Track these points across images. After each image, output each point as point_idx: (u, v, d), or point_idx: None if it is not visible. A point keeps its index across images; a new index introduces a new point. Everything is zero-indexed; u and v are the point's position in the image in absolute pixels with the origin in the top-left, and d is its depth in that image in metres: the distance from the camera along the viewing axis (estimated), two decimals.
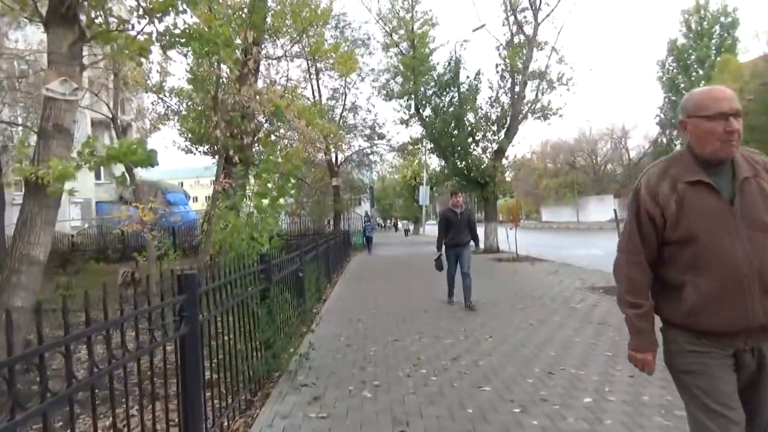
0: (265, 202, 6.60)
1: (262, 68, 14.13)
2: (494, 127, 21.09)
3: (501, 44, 20.50)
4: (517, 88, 20.61)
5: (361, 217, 33.82)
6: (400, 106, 23.98)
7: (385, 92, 23.99)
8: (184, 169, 54.57)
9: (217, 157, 9.68)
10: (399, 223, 66.44)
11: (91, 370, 2.22)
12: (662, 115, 52.76)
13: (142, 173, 43.72)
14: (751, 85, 38.34)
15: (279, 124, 12.91)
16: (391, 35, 22.84)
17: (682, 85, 49.60)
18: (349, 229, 30.33)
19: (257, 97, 10.80)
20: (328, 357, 5.65)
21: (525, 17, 20.36)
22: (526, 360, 5.19)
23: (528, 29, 20.31)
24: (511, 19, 20.41)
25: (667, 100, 51.67)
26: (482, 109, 21.08)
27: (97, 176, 33.46)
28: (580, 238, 34.48)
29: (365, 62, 25.39)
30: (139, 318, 2.68)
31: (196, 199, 61.33)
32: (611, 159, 68.88)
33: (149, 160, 5.70)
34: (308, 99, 18.53)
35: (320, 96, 23.66)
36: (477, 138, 21.42)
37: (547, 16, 19.99)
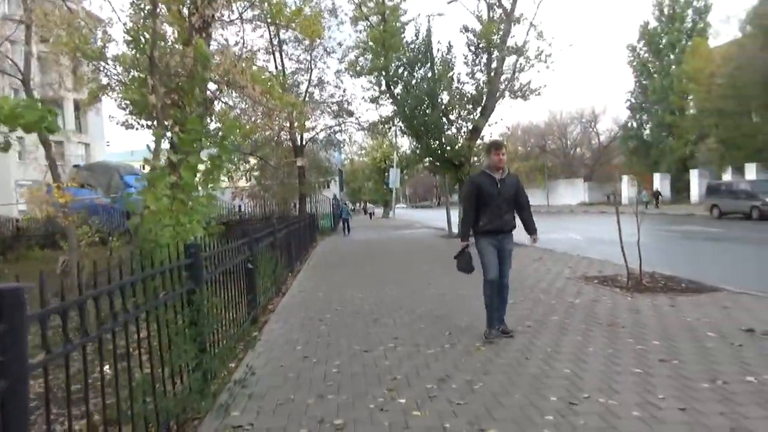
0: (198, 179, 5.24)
1: (216, 35, 12.55)
2: (469, 106, 19.90)
3: (479, 15, 19.22)
4: (493, 65, 19.44)
5: (329, 200, 32.44)
6: (370, 83, 22.58)
7: (353, 69, 22.52)
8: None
9: (153, 129, 8.21)
10: (368, 206, 65.24)
11: None
12: (632, 99, 52.58)
13: (97, 154, 41.27)
14: (722, 70, 38.22)
15: (230, 92, 11.39)
16: (360, 7, 21.32)
17: (653, 69, 49.37)
18: (316, 213, 28.99)
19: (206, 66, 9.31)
20: (276, 376, 4.37)
21: None
22: (535, 381, 4.02)
23: (506, 2, 19.11)
24: None
25: (637, 84, 51.46)
26: (457, 86, 19.84)
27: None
28: (554, 221, 33.78)
29: (332, 36, 23.86)
30: None
31: None
32: (581, 143, 68.83)
33: (40, 123, 4.28)
34: (269, 72, 16.92)
35: (284, 70, 22.04)
36: (451, 117, 20.22)
37: None
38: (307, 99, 21.94)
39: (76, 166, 34.82)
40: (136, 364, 2.98)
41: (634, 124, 53.25)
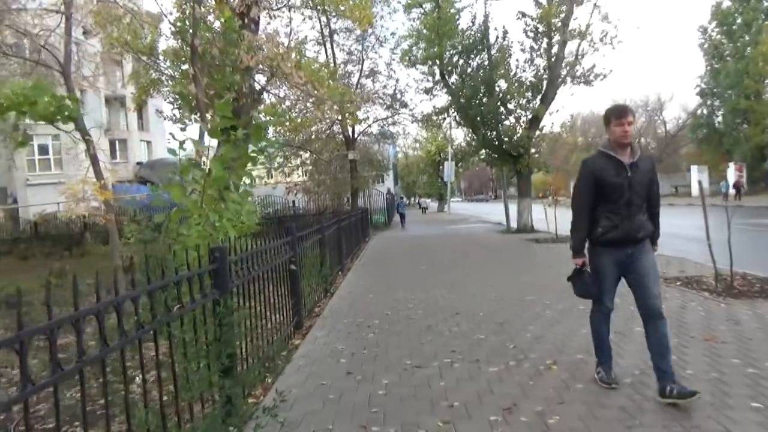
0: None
1: (264, 25, 12.20)
2: (528, 94, 18.85)
3: None
4: (554, 50, 18.30)
5: (383, 195, 31.97)
6: (423, 74, 21.86)
7: (407, 59, 21.81)
8: None
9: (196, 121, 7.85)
10: (421, 200, 64.37)
11: None
12: (703, 85, 49.37)
13: (160, 151, 42.31)
14: None
15: (279, 84, 10.99)
16: None
17: (727, 52, 46.14)
18: (369, 207, 28.58)
19: (250, 50, 8.91)
20: (315, 399, 3.82)
21: None
22: (622, 415, 3.28)
23: None
24: None
25: (708, 68, 48.27)
26: (515, 73, 18.80)
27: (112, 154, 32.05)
28: None
29: (384, 26, 23.22)
30: None
31: None
32: (646, 132, 65.49)
33: (58, 112, 3.88)
34: (318, 63, 16.50)
35: (335, 60, 21.62)
36: (509, 106, 19.23)
37: None
38: (359, 90, 21.45)
39: (138, 163, 35.91)
40: (138, 392, 2.49)
41: (705, 111, 50.14)
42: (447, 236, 19.99)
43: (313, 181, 25.83)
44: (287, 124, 14.59)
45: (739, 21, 44.71)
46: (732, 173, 42.45)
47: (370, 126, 24.47)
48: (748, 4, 43.95)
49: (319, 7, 12.32)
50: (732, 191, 36.89)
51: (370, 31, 22.66)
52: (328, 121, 21.09)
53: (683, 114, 59.88)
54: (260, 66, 11.16)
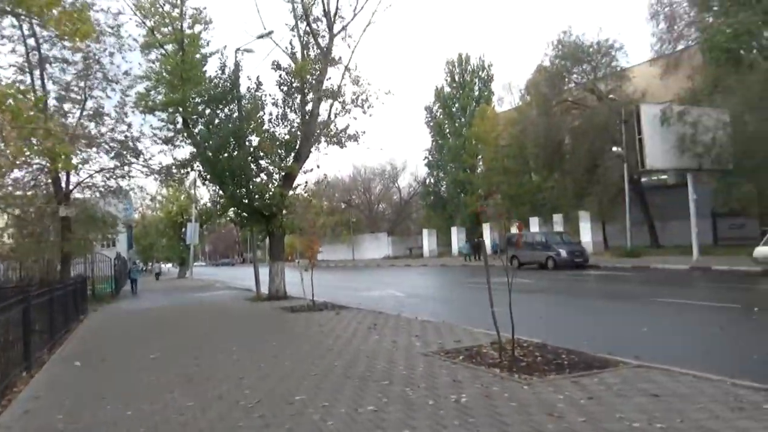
0: None
1: None
2: (281, 151, 17.65)
3: (293, 52, 17.32)
4: (308, 107, 17.62)
5: (110, 260, 27.07)
6: (163, 121, 19.09)
7: (143, 103, 18.81)
8: None
9: None
10: (155, 265, 58.02)
11: None
12: (430, 157, 55.70)
13: None
14: (506, 132, 42.14)
15: None
16: (152, 32, 18.01)
17: (448, 130, 53.03)
18: (93, 275, 23.68)
19: None
20: None
21: (318, 27, 17.61)
22: None
23: (322, 41, 17.58)
24: (302, 27, 17.45)
25: (434, 143, 54.77)
26: (268, 128, 17.47)
27: None
28: (365, 276, 32.87)
29: (116, 63, 19.89)
30: None
31: None
32: (383, 198, 70.98)
33: None
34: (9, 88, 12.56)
35: (45, 92, 17.34)
36: (261, 162, 17.73)
37: (343, 28, 17.49)
38: (79, 132, 17.55)
39: None
40: None
41: (432, 181, 56.23)
42: (188, 308, 17.13)
43: (17, 243, 20.22)
44: None
45: (457, 105, 51.99)
46: (455, 236, 47.94)
47: (92, 176, 20.27)
48: (463, 91, 51.53)
49: (18, 11, 9.14)
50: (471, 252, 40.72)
51: (96, 66, 19.19)
52: (33, 166, 16.70)
53: (414, 183, 66.53)
54: None
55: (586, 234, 33.68)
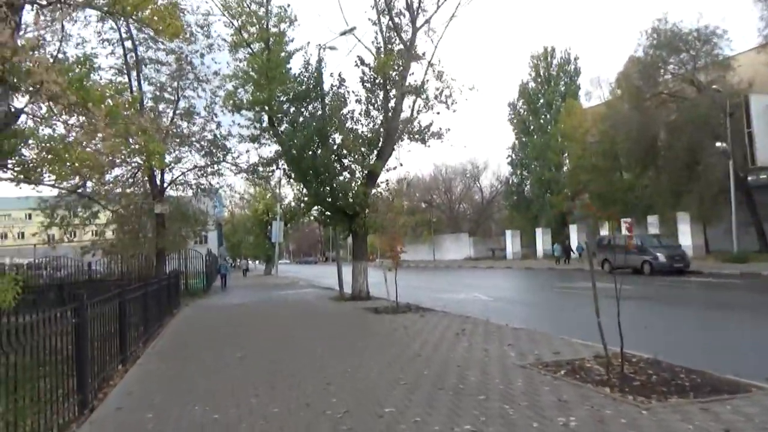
0: None
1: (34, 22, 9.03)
2: (364, 149, 17.49)
3: (378, 46, 17.14)
4: (391, 103, 17.33)
5: (202, 256, 28.23)
6: (249, 120, 19.46)
7: (231, 102, 19.27)
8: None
9: None
10: (242, 262, 60.15)
11: None
12: (513, 156, 54.07)
13: None
14: (594, 128, 40.01)
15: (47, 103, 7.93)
16: (239, 31, 18.42)
17: (532, 127, 51.26)
18: (186, 271, 24.73)
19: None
20: None
21: (400, 21, 17.30)
22: None
23: (405, 36, 17.24)
24: (384, 22, 17.20)
25: (518, 140, 53.10)
26: (351, 125, 17.39)
27: None
28: (447, 277, 32.29)
29: (205, 63, 20.55)
30: None
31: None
32: (464, 197, 69.89)
33: None
34: (112, 88, 13.19)
35: (141, 92, 18.22)
36: (344, 161, 17.68)
37: (426, 21, 17.08)
38: (171, 131, 18.26)
39: None
40: None
41: (515, 180, 54.60)
42: (274, 305, 17.37)
43: (118, 239, 21.47)
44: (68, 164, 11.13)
45: (542, 100, 50.15)
46: (540, 237, 46.21)
47: (184, 174, 21.10)
48: (549, 86, 49.62)
49: (114, 12, 9.46)
50: (563, 255, 38.97)
51: (188, 67, 19.93)
52: (132, 164, 17.54)
53: (496, 182, 64.97)
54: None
55: (685, 236, 31.22)
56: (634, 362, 6.29)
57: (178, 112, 20.35)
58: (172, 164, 19.02)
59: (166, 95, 19.83)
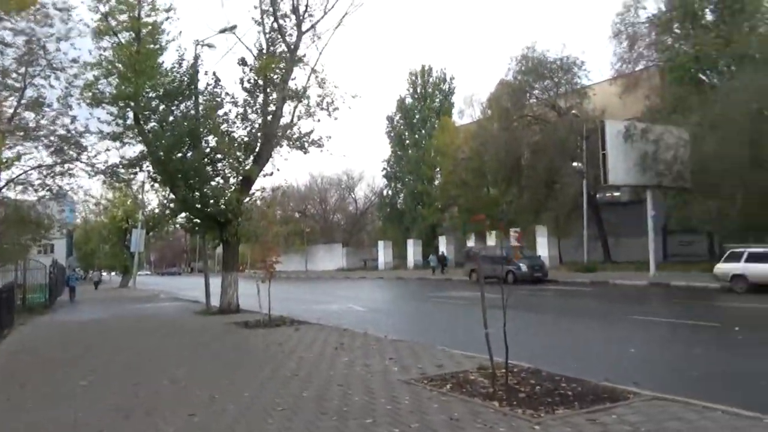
0: None
1: None
2: (239, 153, 16.45)
3: (260, 48, 16.27)
4: (271, 107, 16.53)
5: (45, 267, 24.97)
6: (112, 116, 17.40)
7: (91, 94, 17.06)
8: None
9: None
10: (93, 273, 54.57)
11: None
12: (388, 168, 55.02)
13: None
14: (466, 146, 41.98)
15: None
16: (106, 18, 16.43)
17: (408, 141, 52.61)
18: (24, 283, 21.66)
19: None
20: None
21: (285, 24, 16.60)
22: None
23: (289, 39, 16.56)
24: (269, 23, 16.40)
25: (393, 153, 54.15)
26: (227, 126, 16.27)
27: None
28: (321, 288, 31.86)
29: (62, 49, 18.18)
30: None
31: None
32: (339, 208, 69.85)
33: None
34: None
35: None
36: (218, 165, 16.50)
37: (312, 26, 16.51)
38: (15, 123, 15.80)
39: None
40: None
41: (389, 192, 55.55)
42: (130, 321, 15.71)
43: None
44: None
45: (417, 116, 51.69)
46: (411, 249, 47.26)
47: (26, 173, 18.37)
48: (424, 103, 51.32)
49: None
50: (439, 265, 39.55)
51: (41, 53, 17.50)
52: None
53: (370, 193, 65.70)
54: None
55: (543, 248, 33.66)
56: (515, 372, 6.29)
57: (23, 101, 17.76)
58: (11, 161, 16.46)
59: (10, 81, 17.17)
